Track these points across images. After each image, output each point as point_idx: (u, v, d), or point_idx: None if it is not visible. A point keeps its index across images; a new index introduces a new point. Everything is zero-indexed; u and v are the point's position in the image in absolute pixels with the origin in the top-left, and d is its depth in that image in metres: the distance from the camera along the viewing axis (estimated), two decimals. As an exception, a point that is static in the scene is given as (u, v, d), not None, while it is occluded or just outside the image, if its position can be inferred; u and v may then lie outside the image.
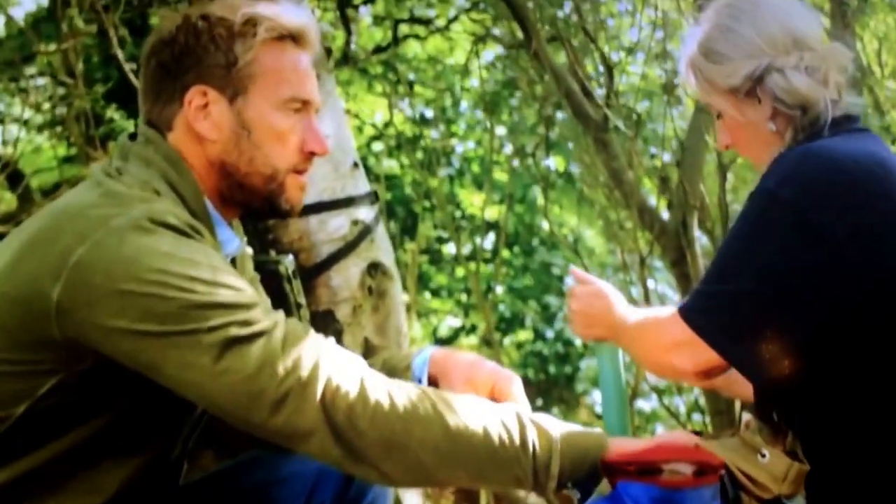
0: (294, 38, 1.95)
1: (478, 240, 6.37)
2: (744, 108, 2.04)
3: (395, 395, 1.75)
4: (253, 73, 1.90)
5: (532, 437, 1.79)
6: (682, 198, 5.02)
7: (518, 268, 7.27)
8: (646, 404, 6.46)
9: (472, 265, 5.87)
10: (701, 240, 5.38)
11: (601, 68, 5.45)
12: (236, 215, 2.03)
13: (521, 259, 7.27)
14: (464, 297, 6.59)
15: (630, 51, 5.81)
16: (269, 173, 1.93)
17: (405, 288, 5.40)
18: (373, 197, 2.91)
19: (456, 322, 6.91)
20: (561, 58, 5.46)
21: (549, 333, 7.02)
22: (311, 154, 1.97)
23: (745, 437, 2.32)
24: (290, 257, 2.68)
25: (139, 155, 1.90)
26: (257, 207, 1.99)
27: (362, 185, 2.91)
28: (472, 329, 6.29)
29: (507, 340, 7.18)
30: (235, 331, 1.70)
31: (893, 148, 6.20)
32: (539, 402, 7.38)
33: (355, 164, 2.89)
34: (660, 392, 6.46)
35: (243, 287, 1.76)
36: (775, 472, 2.25)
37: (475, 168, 6.70)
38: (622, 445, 1.95)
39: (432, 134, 6.41)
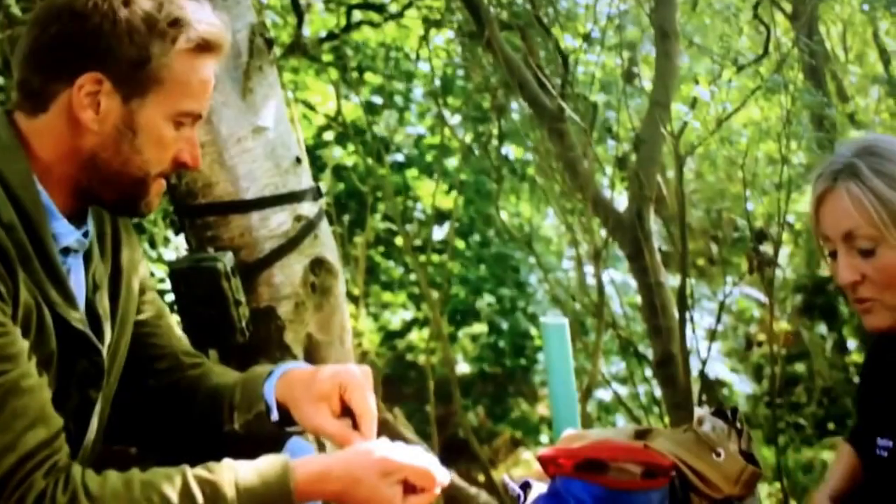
0: (212, 48, 1.86)
1: (427, 230, 6.32)
2: None
3: None
4: (160, 79, 1.80)
5: None
6: (638, 190, 4.98)
7: (473, 259, 7.23)
8: (605, 394, 6.44)
9: (422, 257, 5.85)
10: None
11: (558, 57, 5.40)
12: (83, 207, 1.92)
13: (475, 250, 7.22)
14: (417, 290, 6.53)
15: (586, 38, 5.76)
16: (140, 176, 1.85)
17: (355, 281, 5.35)
18: (316, 192, 2.85)
19: (409, 315, 6.85)
20: (517, 44, 5.41)
21: (505, 325, 6.99)
22: (183, 165, 1.90)
23: (701, 433, 2.28)
24: (230, 254, 2.62)
25: None
26: (111, 205, 1.91)
27: (305, 181, 2.85)
28: (426, 322, 6.23)
29: (461, 333, 7.15)
30: None
31: (859, 133, 6.18)
32: (496, 394, 7.38)
33: (298, 160, 2.83)
34: (619, 381, 6.46)
35: None
36: (729, 472, 2.21)
37: (428, 157, 6.64)
38: (307, 467, 1.83)
39: (383, 123, 6.35)
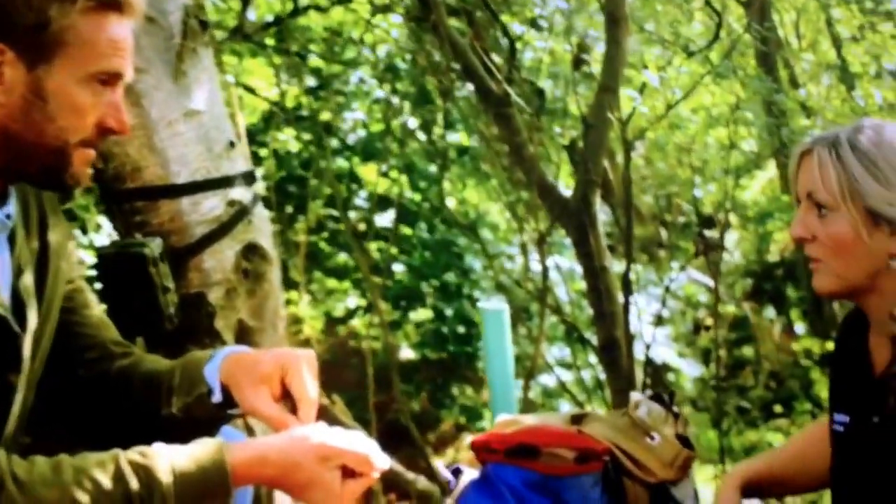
0: (118, 5, 1.77)
1: (371, 216, 6.29)
2: (874, 233, 1.96)
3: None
4: (64, 41, 1.71)
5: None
6: (584, 175, 4.98)
7: (418, 245, 7.20)
8: (551, 380, 6.44)
9: (366, 244, 5.86)
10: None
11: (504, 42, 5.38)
12: (3, 186, 1.85)
13: (420, 236, 7.20)
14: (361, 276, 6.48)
15: (533, 23, 5.75)
16: (57, 146, 1.76)
17: (295, 267, 5.31)
18: (250, 177, 2.81)
19: (353, 302, 6.80)
20: (466, 30, 5.38)
21: (449, 312, 6.97)
22: (109, 131, 1.81)
23: (636, 417, 2.27)
24: (158, 240, 2.57)
25: None
26: (36, 180, 1.85)
27: (239, 165, 2.81)
28: (370, 308, 6.20)
29: (406, 319, 7.12)
30: None
31: (807, 122, 6.21)
32: (441, 380, 7.36)
33: (232, 144, 2.79)
34: (564, 367, 6.47)
35: None
36: (664, 456, 2.21)
37: (375, 143, 6.59)
38: (243, 451, 1.76)
39: (329, 108, 6.28)
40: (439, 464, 2.20)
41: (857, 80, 7.26)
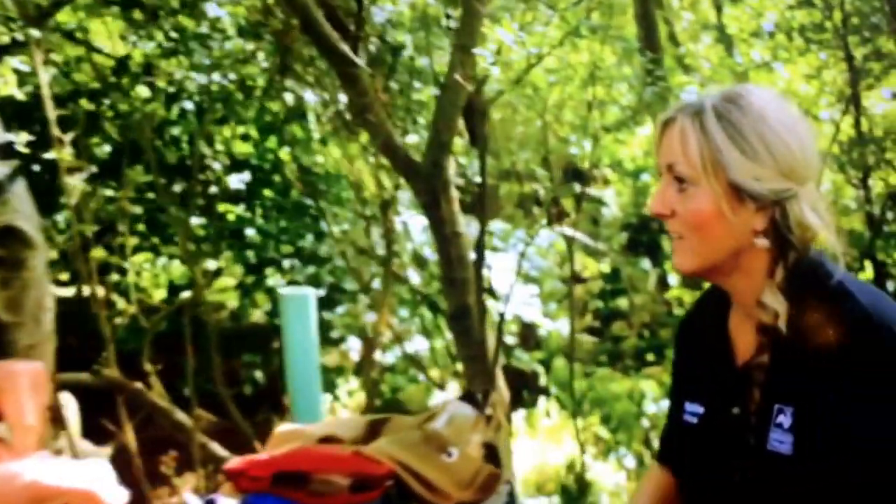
0: None
1: (224, 178, 6.05)
2: (738, 209, 1.78)
3: None
4: None
5: None
6: (436, 137, 4.76)
7: (273, 209, 6.96)
8: (410, 349, 6.26)
9: (221, 206, 5.68)
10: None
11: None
12: None
13: (274, 199, 6.96)
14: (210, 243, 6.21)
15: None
16: None
17: (123, 234, 5.05)
18: (6, 150, 2.47)
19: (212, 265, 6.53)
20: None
21: (301, 278, 6.75)
22: None
23: (429, 431, 2.03)
24: None
25: None
26: None
27: (-8, 137, 2.47)
28: (218, 272, 5.96)
29: (259, 283, 6.92)
30: None
31: (684, 79, 6.15)
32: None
33: (-20, 112, 2.44)
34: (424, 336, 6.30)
35: None
36: (461, 474, 1.96)
37: (225, 103, 6.28)
38: None
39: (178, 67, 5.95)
40: (188, 494, 1.93)
41: (735, 41, 7.29)
